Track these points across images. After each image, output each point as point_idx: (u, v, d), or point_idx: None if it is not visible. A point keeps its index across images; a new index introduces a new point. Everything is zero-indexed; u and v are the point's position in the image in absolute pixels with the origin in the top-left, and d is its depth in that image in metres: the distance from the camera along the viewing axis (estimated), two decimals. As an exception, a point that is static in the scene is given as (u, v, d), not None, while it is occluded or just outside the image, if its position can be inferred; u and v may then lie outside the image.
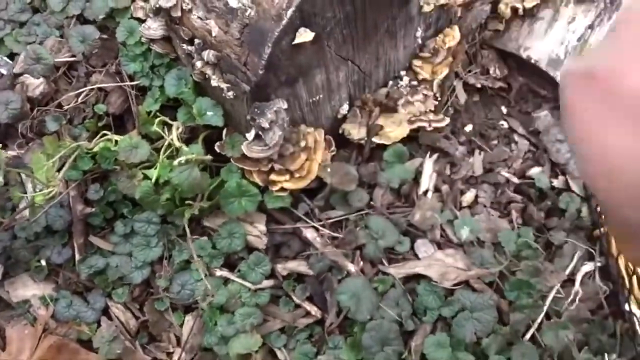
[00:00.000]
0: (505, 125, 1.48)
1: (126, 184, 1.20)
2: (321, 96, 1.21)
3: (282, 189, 1.21)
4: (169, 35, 1.19)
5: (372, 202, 1.32)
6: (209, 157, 1.17)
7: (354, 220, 1.31)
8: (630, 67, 0.39)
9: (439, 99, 1.40)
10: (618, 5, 1.40)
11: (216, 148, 1.21)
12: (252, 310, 1.23)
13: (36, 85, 1.30)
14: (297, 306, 1.28)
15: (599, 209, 1.33)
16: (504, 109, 1.50)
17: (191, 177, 1.13)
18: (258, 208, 1.25)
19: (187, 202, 1.20)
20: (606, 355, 1.24)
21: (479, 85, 1.48)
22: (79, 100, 1.26)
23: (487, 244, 1.33)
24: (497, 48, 1.47)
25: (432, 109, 1.37)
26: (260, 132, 1.12)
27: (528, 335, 1.25)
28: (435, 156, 1.41)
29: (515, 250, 1.30)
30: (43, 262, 1.28)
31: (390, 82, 1.35)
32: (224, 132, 1.23)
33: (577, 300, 1.30)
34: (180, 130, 1.20)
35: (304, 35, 1.00)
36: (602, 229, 1.33)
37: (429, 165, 1.39)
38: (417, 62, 1.34)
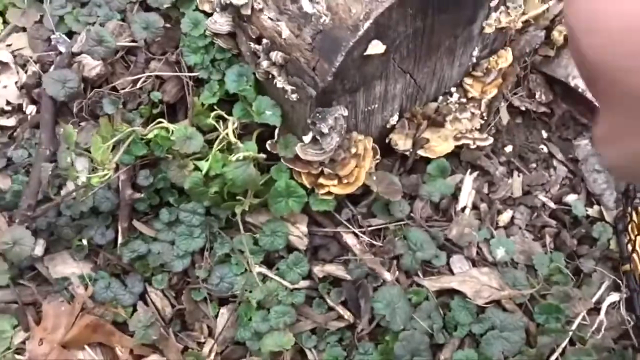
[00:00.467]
0: (545, 149, 1.50)
1: (177, 172, 1.22)
2: (376, 106, 1.23)
3: (329, 193, 1.23)
4: (234, 32, 1.21)
5: (411, 214, 1.34)
6: (263, 155, 1.19)
7: (393, 229, 1.33)
8: None
9: (485, 118, 1.42)
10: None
11: (267, 147, 1.22)
12: (287, 309, 1.25)
13: (93, 66, 1.32)
14: (330, 309, 1.30)
15: (629, 246, 1.35)
16: (544, 134, 1.52)
17: (246, 173, 1.15)
18: (301, 209, 1.27)
19: (236, 197, 1.22)
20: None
21: (523, 108, 1.50)
22: (136, 86, 1.27)
23: (521, 265, 1.35)
24: (545, 73, 1.49)
25: (478, 127, 1.39)
26: (317, 136, 1.14)
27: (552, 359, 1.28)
28: (475, 174, 1.43)
29: (547, 274, 1.33)
30: (84, 242, 1.29)
31: (441, 98, 1.36)
32: (276, 131, 1.24)
33: (602, 329, 1.33)
34: (235, 125, 1.21)
35: (376, 47, 1.02)
36: (631, 264, 1.36)
37: (468, 182, 1.42)
38: (468, 80, 1.36)
